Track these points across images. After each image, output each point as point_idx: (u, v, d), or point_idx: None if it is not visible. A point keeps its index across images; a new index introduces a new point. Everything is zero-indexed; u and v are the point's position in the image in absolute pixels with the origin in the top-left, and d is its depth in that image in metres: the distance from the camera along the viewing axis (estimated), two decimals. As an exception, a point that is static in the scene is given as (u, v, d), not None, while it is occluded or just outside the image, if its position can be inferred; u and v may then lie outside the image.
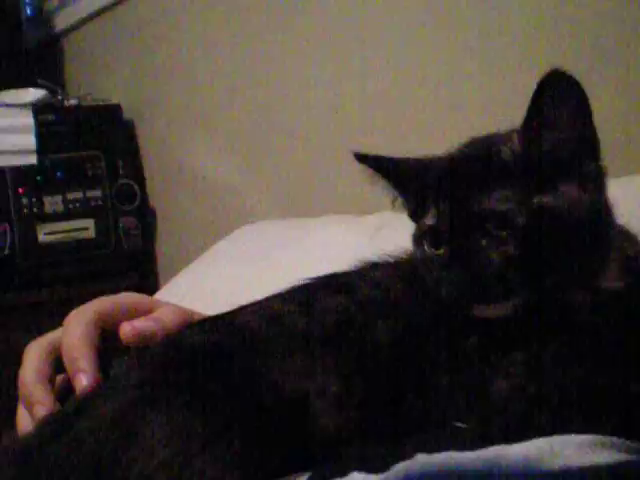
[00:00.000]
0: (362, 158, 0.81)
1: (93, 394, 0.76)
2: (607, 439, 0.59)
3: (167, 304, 0.91)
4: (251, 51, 2.37)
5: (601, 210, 0.75)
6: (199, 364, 0.74)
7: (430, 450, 0.58)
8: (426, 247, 0.75)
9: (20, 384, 0.83)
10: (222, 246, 1.96)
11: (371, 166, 0.80)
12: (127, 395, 0.72)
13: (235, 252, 1.86)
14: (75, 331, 0.82)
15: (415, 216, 0.80)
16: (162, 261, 2.90)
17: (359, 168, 0.81)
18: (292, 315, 0.78)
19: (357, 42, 2.03)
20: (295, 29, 2.21)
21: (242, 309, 0.82)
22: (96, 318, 0.84)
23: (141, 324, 0.83)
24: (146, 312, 0.87)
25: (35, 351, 0.85)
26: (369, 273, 0.83)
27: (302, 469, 0.68)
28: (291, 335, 0.76)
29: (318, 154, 2.11)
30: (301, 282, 0.83)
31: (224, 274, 1.70)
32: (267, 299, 0.82)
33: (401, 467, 0.57)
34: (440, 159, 0.78)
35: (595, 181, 0.74)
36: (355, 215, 1.80)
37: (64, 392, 0.82)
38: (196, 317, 0.89)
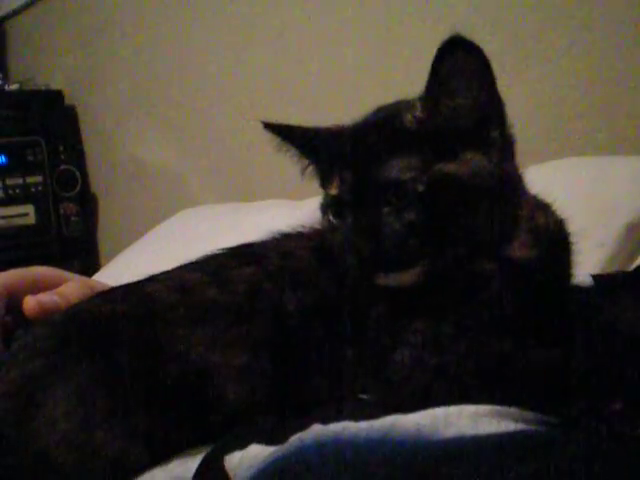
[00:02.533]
0: (270, 127, 0.79)
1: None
2: (504, 409, 0.59)
3: (77, 278, 0.90)
4: (193, 38, 2.36)
5: (508, 178, 0.74)
6: (104, 334, 0.73)
7: (327, 421, 0.58)
8: (330, 217, 0.75)
9: None
10: (160, 230, 1.95)
11: (279, 134, 0.79)
12: (30, 364, 0.71)
13: (172, 235, 1.85)
14: None
15: (323, 185, 0.78)
16: (104, 247, 2.88)
17: (268, 137, 0.80)
18: (201, 285, 0.76)
19: (300, 32, 2.04)
20: (237, 20, 2.21)
21: (151, 278, 0.80)
22: (1, 290, 0.83)
23: (45, 298, 0.82)
24: (55, 285, 0.85)
25: None
26: (280, 244, 0.82)
27: (208, 440, 0.68)
28: (199, 305, 0.75)
29: (258, 140, 2.11)
30: (213, 252, 0.82)
31: (159, 256, 1.68)
32: (177, 268, 0.81)
33: (296, 437, 0.57)
34: (347, 127, 0.77)
35: (501, 149, 0.73)
36: (294, 200, 1.80)
37: None
38: None
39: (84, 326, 0.74)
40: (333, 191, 0.74)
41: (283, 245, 0.81)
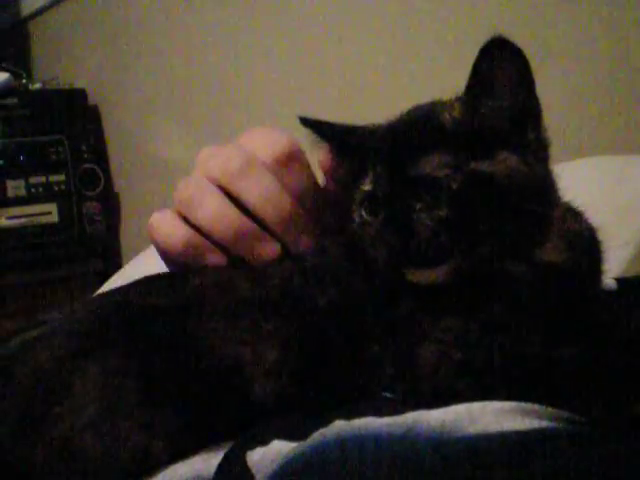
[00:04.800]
0: (307, 122, 0.79)
1: (35, 338, 0.74)
2: (529, 406, 0.58)
3: None
4: (214, 37, 2.37)
5: (541, 181, 0.74)
6: (139, 324, 0.73)
7: (350, 417, 0.58)
8: (363, 212, 0.75)
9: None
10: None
11: (315, 131, 0.79)
12: (64, 346, 0.71)
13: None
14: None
15: (356, 181, 0.78)
16: (126, 245, 2.89)
17: (305, 133, 0.80)
18: (236, 279, 0.77)
19: (321, 29, 2.05)
20: (260, 18, 2.22)
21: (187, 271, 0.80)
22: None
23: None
24: None
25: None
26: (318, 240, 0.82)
27: (230, 436, 0.68)
28: (233, 299, 0.75)
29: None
30: None
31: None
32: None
33: (318, 433, 0.57)
34: (382, 125, 0.78)
35: (536, 151, 0.73)
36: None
37: None
38: None
39: (121, 313, 0.75)
40: (367, 186, 0.74)
41: (320, 242, 0.82)
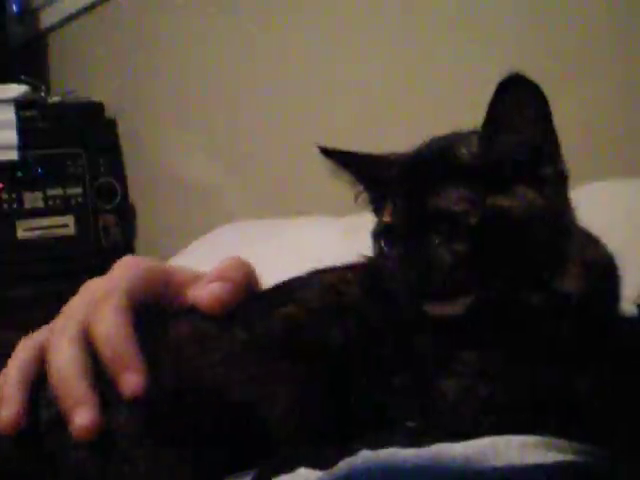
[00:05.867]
0: (326, 152, 0.80)
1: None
2: (551, 440, 0.59)
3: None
4: (232, 52, 2.39)
5: (559, 213, 0.74)
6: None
7: (375, 447, 0.59)
8: (382, 244, 0.75)
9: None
10: (199, 245, 1.96)
11: (335, 160, 0.80)
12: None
13: (211, 251, 1.86)
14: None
15: (376, 212, 0.79)
16: (141, 259, 2.89)
17: (324, 162, 0.81)
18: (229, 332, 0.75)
19: (337, 45, 2.06)
20: (277, 33, 2.23)
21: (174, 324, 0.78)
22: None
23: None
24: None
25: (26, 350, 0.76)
26: (324, 277, 0.81)
27: (251, 466, 0.68)
28: (230, 345, 0.74)
29: (297, 156, 2.13)
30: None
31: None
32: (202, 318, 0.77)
33: (344, 462, 0.58)
34: (401, 156, 0.78)
35: (554, 185, 0.74)
36: (333, 216, 1.81)
37: None
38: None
39: None
40: (386, 218, 0.75)
41: (326, 279, 0.81)
